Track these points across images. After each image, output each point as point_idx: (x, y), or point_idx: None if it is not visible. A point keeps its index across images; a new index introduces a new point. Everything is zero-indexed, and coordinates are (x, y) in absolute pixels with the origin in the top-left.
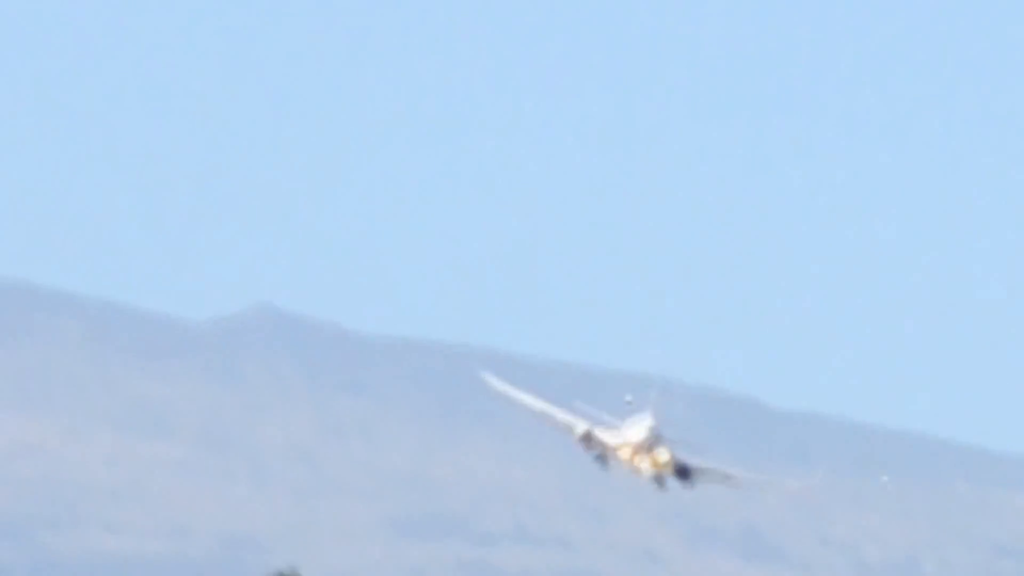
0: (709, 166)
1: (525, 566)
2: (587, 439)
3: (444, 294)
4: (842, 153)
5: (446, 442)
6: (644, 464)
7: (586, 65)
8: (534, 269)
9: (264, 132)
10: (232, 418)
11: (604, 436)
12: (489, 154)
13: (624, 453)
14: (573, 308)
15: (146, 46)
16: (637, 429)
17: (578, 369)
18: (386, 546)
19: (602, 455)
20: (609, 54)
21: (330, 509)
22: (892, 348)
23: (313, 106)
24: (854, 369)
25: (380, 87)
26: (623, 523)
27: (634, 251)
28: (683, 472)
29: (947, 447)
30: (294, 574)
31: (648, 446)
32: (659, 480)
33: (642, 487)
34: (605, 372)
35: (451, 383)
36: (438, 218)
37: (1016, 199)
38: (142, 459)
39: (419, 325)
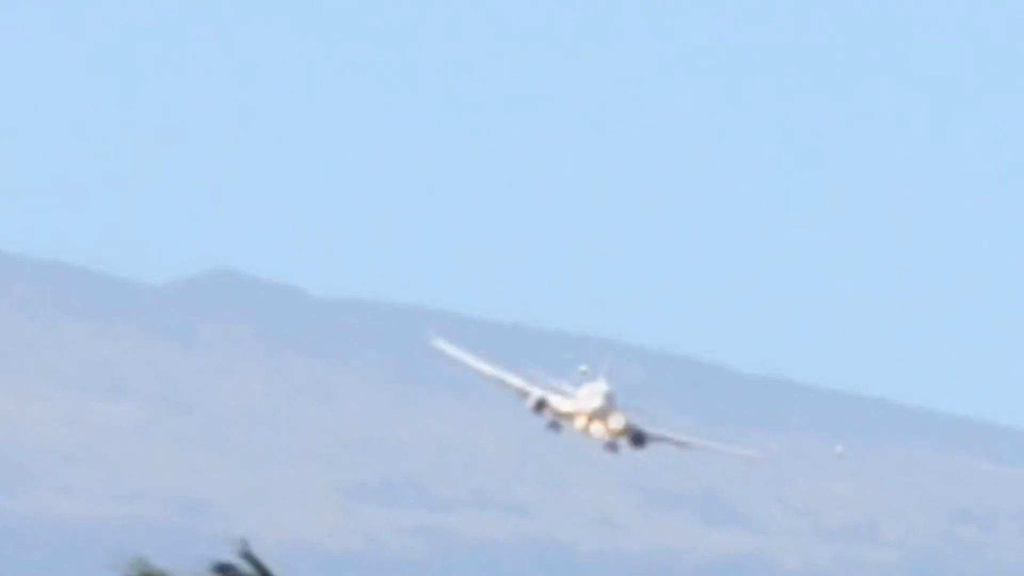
0: (678, 127)
1: (483, 531)
2: (541, 406)
3: (404, 257)
4: (800, 116)
5: (405, 406)
6: (598, 431)
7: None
8: (495, 230)
9: (224, 95)
10: (189, 381)
11: (558, 403)
12: (444, 112)
13: (579, 420)
14: (536, 271)
15: (100, 1)
16: (592, 396)
17: (539, 332)
18: (343, 511)
19: (556, 422)
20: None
21: (287, 473)
22: (857, 313)
23: (275, 69)
24: (819, 334)
25: (336, 46)
26: (582, 488)
27: (596, 212)
28: (638, 439)
29: (909, 412)
30: (245, 548)
31: (603, 413)
32: (613, 447)
33: (601, 453)
34: (567, 336)
35: (410, 346)
36: (395, 181)
37: (968, 161)
38: (97, 422)
39: (378, 288)
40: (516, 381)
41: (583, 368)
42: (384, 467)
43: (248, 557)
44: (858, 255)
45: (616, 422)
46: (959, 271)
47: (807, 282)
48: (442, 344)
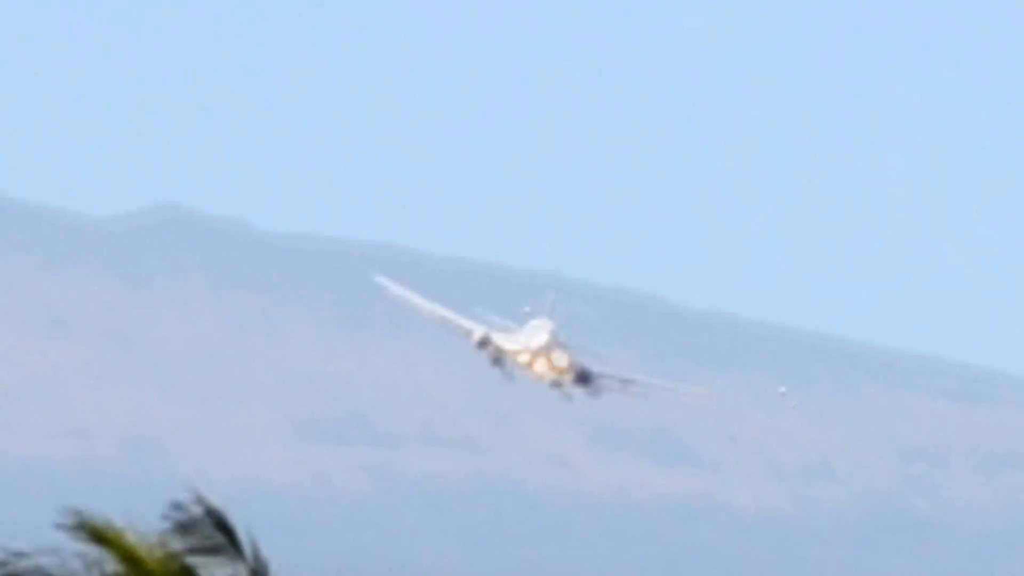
0: (619, 61)
1: (431, 468)
2: (484, 344)
3: (350, 192)
4: (744, 51)
5: (352, 342)
6: (542, 369)
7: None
8: (439, 165)
9: (168, 26)
10: (133, 317)
11: (502, 341)
12: (393, 42)
13: (522, 358)
14: (482, 207)
15: None
16: (536, 334)
17: (485, 267)
18: (290, 447)
19: (500, 360)
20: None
21: (233, 410)
22: (805, 250)
23: (221, 2)
24: (767, 270)
25: None
26: (532, 426)
27: (542, 149)
28: (583, 377)
29: (860, 349)
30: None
31: (547, 351)
32: (557, 385)
33: (549, 391)
34: (512, 272)
35: (357, 282)
36: (339, 115)
37: (905, 80)
38: (42, 359)
39: (324, 223)
40: (460, 319)
41: (527, 309)
42: (331, 403)
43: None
44: (803, 189)
45: (560, 360)
46: (909, 206)
47: (753, 218)
48: (384, 282)
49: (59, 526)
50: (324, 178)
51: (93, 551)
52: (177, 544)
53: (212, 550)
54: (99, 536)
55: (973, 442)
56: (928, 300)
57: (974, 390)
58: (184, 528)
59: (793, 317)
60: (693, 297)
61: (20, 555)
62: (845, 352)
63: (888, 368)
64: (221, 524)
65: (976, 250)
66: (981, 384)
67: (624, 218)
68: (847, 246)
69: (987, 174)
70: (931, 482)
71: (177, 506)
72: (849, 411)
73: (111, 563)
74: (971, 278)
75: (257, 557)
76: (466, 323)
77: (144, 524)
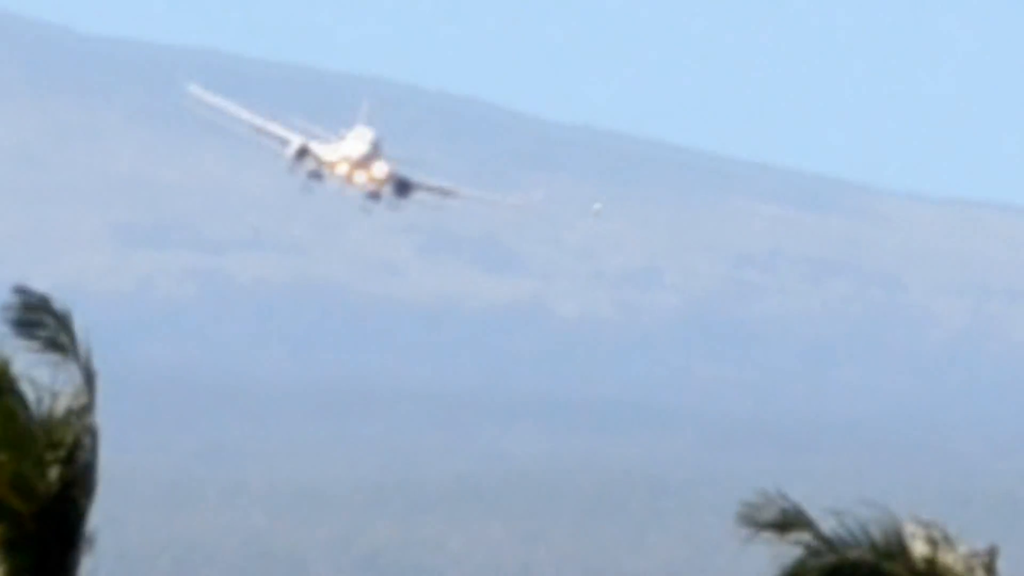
0: None
1: (257, 274)
2: (301, 154)
3: None
4: None
5: (174, 148)
6: (361, 179)
7: None
8: None
9: None
10: None
11: (320, 151)
12: None
13: (341, 168)
14: (306, 8)
15: None
16: (355, 144)
17: (306, 70)
18: (114, 252)
19: (317, 171)
20: None
21: (56, 215)
22: (638, 52)
23: None
24: (596, 76)
25: None
26: (358, 231)
27: None
28: (402, 188)
29: (684, 153)
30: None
31: (366, 161)
32: (375, 196)
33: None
34: (332, 75)
35: (177, 86)
36: None
37: None
38: None
39: (148, 28)
40: (276, 129)
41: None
42: (154, 208)
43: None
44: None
45: (379, 171)
46: (747, 9)
47: (582, 23)
48: (197, 91)
49: None
50: None
51: None
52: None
53: (57, 347)
54: None
55: (801, 247)
56: (762, 106)
57: (806, 196)
58: (28, 325)
59: (624, 122)
60: (527, 103)
61: None
62: (669, 156)
63: (718, 174)
64: (63, 323)
65: (813, 58)
66: (813, 190)
67: (448, 21)
68: (679, 51)
69: None
70: (760, 288)
71: (11, 306)
72: (675, 216)
73: None
74: (807, 85)
75: (88, 361)
76: (283, 132)
77: None
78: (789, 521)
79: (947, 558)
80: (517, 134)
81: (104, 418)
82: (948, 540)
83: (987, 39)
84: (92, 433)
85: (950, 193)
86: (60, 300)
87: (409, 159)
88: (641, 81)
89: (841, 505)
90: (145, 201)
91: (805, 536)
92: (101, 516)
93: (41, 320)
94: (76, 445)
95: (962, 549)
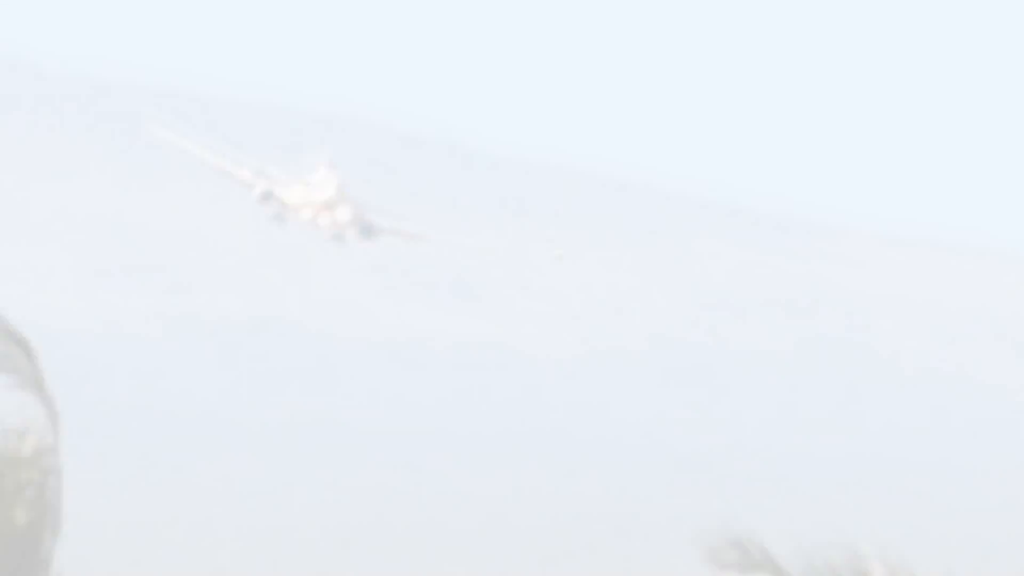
0: None
1: (224, 313)
2: (266, 198)
3: (132, 28)
4: None
5: (141, 184)
6: (326, 223)
7: None
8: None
9: None
10: None
11: (284, 194)
12: None
13: (306, 212)
14: (272, 49)
15: None
16: (320, 187)
17: (276, 111)
18: (79, 291)
19: (281, 214)
20: None
21: (21, 254)
22: (605, 95)
23: None
24: (565, 118)
25: None
26: (324, 272)
27: None
28: (367, 231)
29: (656, 196)
30: None
31: (331, 204)
32: (339, 239)
33: (334, 243)
34: (302, 113)
35: (145, 124)
36: None
37: None
38: None
39: (112, 64)
40: (240, 172)
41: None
42: (122, 247)
43: None
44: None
45: (344, 214)
46: (708, 49)
47: (548, 56)
48: (158, 130)
49: None
50: (101, 8)
51: None
52: None
53: (27, 386)
54: None
55: (771, 291)
56: (730, 148)
57: (773, 238)
58: None
59: (592, 163)
60: (495, 144)
61: None
62: (641, 199)
63: (685, 216)
64: (30, 356)
65: (782, 99)
66: (781, 232)
67: (416, 61)
68: (646, 92)
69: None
70: (727, 331)
71: None
72: (645, 258)
73: None
74: (776, 127)
75: (51, 401)
76: (247, 175)
77: None
78: (754, 562)
79: None
80: (485, 175)
81: (67, 458)
82: None
83: (960, 82)
84: (56, 473)
85: (920, 234)
86: (27, 339)
87: (375, 202)
88: (609, 123)
89: (808, 545)
90: (111, 240)
91: None
92: (65, 557)
93: (14, 354)
94: (42, 485)
95: None
